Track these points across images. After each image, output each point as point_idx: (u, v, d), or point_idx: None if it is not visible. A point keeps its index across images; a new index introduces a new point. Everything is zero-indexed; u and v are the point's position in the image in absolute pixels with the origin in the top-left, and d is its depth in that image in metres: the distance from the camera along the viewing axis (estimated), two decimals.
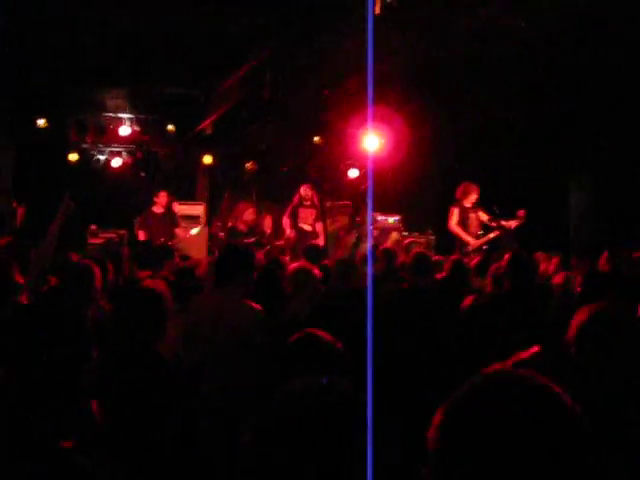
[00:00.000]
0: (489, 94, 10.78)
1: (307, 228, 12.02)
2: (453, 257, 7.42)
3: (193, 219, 13.07)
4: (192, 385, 4.18)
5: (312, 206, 12.21)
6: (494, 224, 10.26)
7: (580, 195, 13.73)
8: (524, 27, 7.98)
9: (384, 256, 7.41)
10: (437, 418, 1.30)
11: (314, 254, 7.88)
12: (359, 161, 13.55)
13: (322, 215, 12.77)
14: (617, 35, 8.65)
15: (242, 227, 12.10)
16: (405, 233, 12.88)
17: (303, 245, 10.03)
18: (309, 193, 12.14)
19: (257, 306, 4.71)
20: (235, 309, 4.68)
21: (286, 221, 12.10)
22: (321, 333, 2.95)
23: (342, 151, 13.51)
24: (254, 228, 12.14)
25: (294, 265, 5.94)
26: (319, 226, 12.33)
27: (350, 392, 1.61)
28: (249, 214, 12.19)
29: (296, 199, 12.14)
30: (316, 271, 5.71)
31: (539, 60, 9.35)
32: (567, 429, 1.26)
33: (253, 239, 11.63)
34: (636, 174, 11.68)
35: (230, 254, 5.20)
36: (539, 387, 1.30)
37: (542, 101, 10.96)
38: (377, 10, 7.06)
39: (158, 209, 11.97)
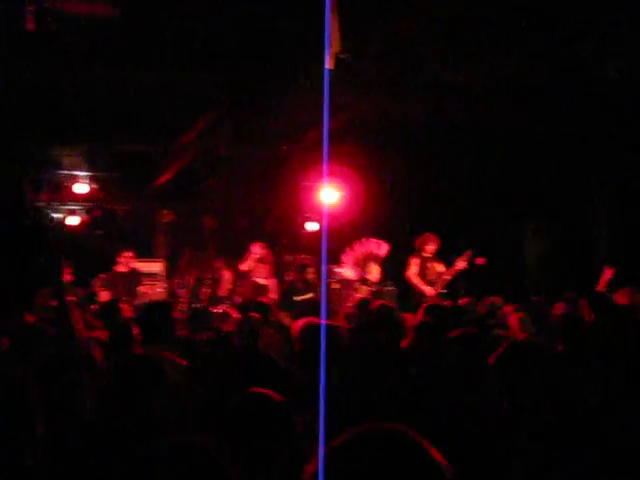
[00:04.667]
0: (443, 148, 10.99)
1: (262, 282, 12.09)
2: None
3: (152, 276, 12.96)
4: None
5: (265, 262, 12.34)
6: (449, 275, 10.38)
7: (534, 241, 13.97)
8: (471, 82, 8.17)
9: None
10: (309, 467, 1.35)
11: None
12: (317, 214, 13.62)
13: (276, 271, 12.84)
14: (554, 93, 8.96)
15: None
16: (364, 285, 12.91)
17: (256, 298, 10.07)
18: (261, 251, 12.27)
19: (182, 361, 4.72)
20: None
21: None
22: (268, 392, 2.93)
23: (300, 205, 13.58)
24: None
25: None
26: (273, 281, 12.40)
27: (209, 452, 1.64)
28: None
29: (250, 260, 12.27)
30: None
31: (489, 113, 9.58)
32: None
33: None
34: (585, 220, 11.97)
35: (154, 311, 5.22)
36: (409, 443, 1.36)
37: (493, 153, 11.21)
38: (330, 65, 7.17)
39: (121, 268, 11.85)
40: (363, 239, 12.31)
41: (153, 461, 1.60)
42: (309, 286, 11.52)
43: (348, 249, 12.32)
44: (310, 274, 11.81)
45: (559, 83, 8.79)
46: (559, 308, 8.68)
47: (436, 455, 1.36)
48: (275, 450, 2.74)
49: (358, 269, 11.59)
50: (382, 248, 12.08)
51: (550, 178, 12.23)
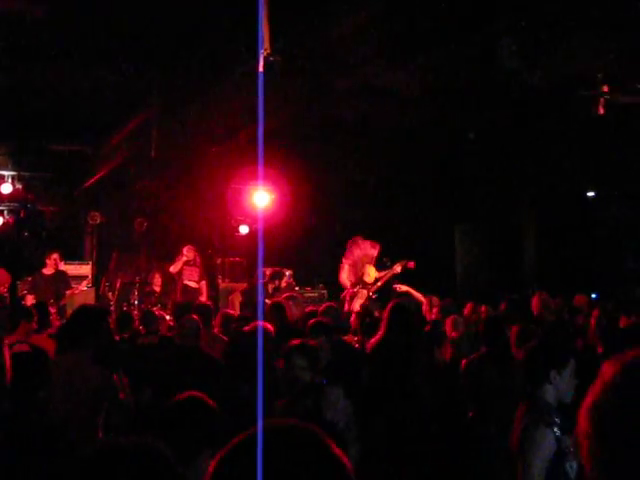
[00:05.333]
0: (373, 151, 11.11)
1: (192, 285, 12.09)
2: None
3: (80, 279, 12.74)
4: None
5: (195, 265, 12.30)
6: (382, 275, 10.49)
7: (465, 242, 14.24)
8: (401, 86, 8.29)
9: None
10: (212, 465, 1.36)
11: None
12: (249, 217, 13.59)
13: (206, 274, 12.77)
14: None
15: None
16: (297, 288, 12.96)
17: (187, 301, 10.02)
18: (191, 254, 12.24)
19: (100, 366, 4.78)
20: (83, 371, 4.72)
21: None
22: (202, 396, 3.05)
23: (232, 207, 13.54)
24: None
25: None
26: (203, 284, 12.50)
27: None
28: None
29: (180, 262, 12.20)
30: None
31: (420, 117, 9.73)
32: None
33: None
34: (513, 221, 12.27)
35: (80, 317, 5.17)
36: (312, 439, 1.36)
37: (423, 156, 11.38)
38: (260, 67, 7.18)
39: (48, 270, 11.60)
40: (358, 240, 12.10)
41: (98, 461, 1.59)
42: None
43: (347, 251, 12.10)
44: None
45: (487, 88, 8.99)
46: (483, 311, 8.88)
47: (338, 452, 1.36)
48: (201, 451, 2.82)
49: (354, 271, 11.46)
50: (376, 248, 11.91)
51: (479, 181, 12.50)
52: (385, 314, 6.00)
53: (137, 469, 1.57)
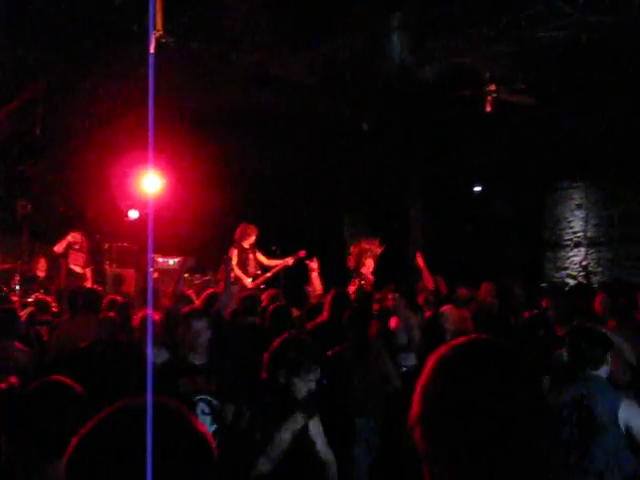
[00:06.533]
0: (267, 139, 11.09)
1: (78, 270, 11.81)
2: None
3: None
4: None
5: (82, 250, 12.01)
6: (272, 263, 10.51)
7: (352, 229, 14.41)
8: (294, 74, 8.32)
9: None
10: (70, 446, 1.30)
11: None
12: (139, 202, 13.31)
13: (93, 260, 12.49)
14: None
15: None
16: (186, 275, 12.83)
17: (73, 286, 9.76)
18: (78, 239, 11.94)
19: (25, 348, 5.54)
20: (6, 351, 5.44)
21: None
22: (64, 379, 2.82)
23: (121, 192, 13.22)
24: None
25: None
26: (89, 270, 12.27)
27: None
28: None
29: (65, 243, 11.88)
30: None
31: (311, 106, 9.78)
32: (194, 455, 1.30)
33: None
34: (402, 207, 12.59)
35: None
36: (171, 414, 1.33)
37: (315, 146, 11.47)
38: (152, 49, 7.06)
39: None
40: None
41: None
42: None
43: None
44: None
45: (377, 81, 9.14)
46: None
47: (200, 427, 1.33)
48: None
49: (353, 261, 11.27)
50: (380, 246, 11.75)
51: (368, 172, 12.70)
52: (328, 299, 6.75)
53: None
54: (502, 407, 1.31)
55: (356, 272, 10.68)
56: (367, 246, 11.08)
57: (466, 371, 1.36)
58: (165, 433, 1.27)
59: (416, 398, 1.40)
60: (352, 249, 11.23)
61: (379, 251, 11.32)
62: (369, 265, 10.72)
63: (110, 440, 1.27)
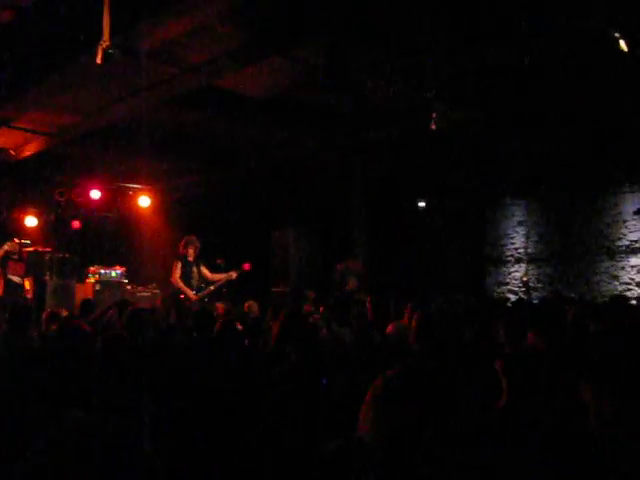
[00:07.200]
0: (210, 154, 11.06)
1: (16, 280, 11.56)
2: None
3: None
4: None
5: (21, 260, 11.83)
6: (215, 278, 10.45)
7: (297, 245, 14.42)
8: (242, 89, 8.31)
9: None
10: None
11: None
12: (81, 213, 13.15)
13: (32, 269, 12.26)
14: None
15: None
16: (129, 287, 12.71)
17: (12, 297, 9.58)
18: (16, 248, 11.73)
19: None
20: None
21: None
22: None
23: (63, 202, 13.03)
24: None
25: None
26: (28, 280, 12.05)
27: None
28: None
29: (1, 252, 11.64)
30: None
31: (254, 125, 9.78)
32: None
33: None
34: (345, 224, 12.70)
35: None
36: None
37: (263, 161, 11.48)
38: (98, 59, 6.97)
39: None
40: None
41: None
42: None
43: None
44: None
45: (325, 99, 9.19)
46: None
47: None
48: None
49: (338, 277, 11.50)
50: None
51: (314, 186, 12.74)
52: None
53: None
54: None
55: (338, 288, 11.05)
56: (352, 266, 11.50)
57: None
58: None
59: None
60: (338, 267, 11.53)
61: (362, 270, 11.75)
62: (352, 284, 11.06)
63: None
